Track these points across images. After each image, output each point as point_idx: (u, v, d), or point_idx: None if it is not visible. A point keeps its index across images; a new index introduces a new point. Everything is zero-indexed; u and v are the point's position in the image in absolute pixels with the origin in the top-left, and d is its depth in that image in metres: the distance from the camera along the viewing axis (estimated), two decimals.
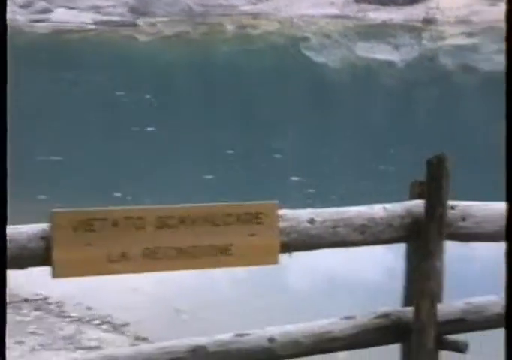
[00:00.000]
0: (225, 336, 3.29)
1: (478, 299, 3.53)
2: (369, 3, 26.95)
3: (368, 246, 3.43)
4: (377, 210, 3.34)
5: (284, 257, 3.24)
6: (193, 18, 27.56)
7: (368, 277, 6.61)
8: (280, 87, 17.39)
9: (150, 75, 18.96)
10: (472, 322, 3.46)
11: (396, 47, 23.84)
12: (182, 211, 3.02)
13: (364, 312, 3.48)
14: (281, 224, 3.16)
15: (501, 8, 25.61)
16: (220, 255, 3.07)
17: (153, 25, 27.30)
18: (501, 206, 3.49)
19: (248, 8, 28.07)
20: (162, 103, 15.09)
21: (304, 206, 8.10)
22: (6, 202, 1.95)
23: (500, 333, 3.70)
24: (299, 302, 6.02)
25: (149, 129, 12.83)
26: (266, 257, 3.16)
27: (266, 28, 26.49)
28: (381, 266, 6.53)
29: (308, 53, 22.62)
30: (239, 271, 4.94)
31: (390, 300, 3.72)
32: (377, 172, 10.40)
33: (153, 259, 2.99)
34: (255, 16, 27.70)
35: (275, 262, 3.17)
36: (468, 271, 6.45)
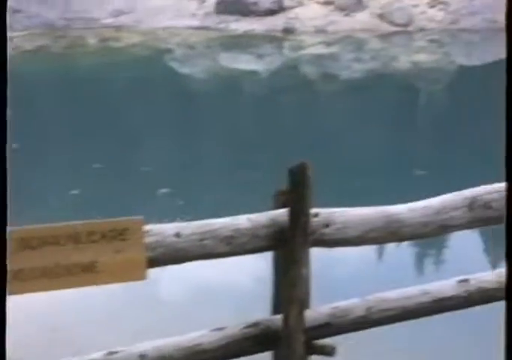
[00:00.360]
0: (96, 355, 3.26)
1: (343, 303, 3.63)
2: (230, 14, 27.18)
3: (235, 257, 3.47)
4: (242, 221, 3.38)
5: (153, 272, 3.24)
6: (53, 31, 27.05)
7: (241, 286, 6.66)
8: (145, 99, 17.30)
9: (11, 90, 18.41)
10: (338, 325, 3.56)
11: (259, 57, 24.16)
12: (44, 230, 2.97)
13: (235, 322, 3.51)
14: (148, 239, 3.15)
15: (355, 19, 26.45)
16: (86, 273, 3.04)
17: (12, 39, 26.62)
18: (362, 212, 3.61)
19: (109, 21, 27.78)
20: (26, 119, 14.73)
21: (174, 218, 8.06)
22: (6, 203, 1.88)
23: (365, 334, 3.83)
24: (173, 316, 6.01)
25: (12, 145, 12.50)
26: (134, 273, 3.15)
27: (129, 41, 26.29)
28: (254, 275, 6.60)
29: (172, 65, 22.61)
30: (113, 287, 4.88)
31: (263, 309, 3.77)
32: (246, 180, 10.51)
33: (18, 280, 2.93)
34: (118, 28, 27.45)
35: (142, 277, 3.16)
36: (335, 276, 6.61)
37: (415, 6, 27.16)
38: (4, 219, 1.94)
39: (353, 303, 3.63)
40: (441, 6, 27.22)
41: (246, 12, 27.03)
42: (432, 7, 27.29)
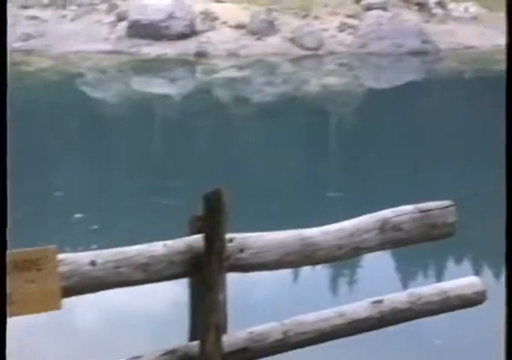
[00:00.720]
0: None
1: (260, 328, 3.65)
2: (142, 38, 27.12)
3: (151, 284, 3.46)
4: (158, 247, 3.38)
5: (68, 301, 3.20)
6: None
7: (158, 313, 6.62)
8: (56, 124, 17.08)
9: None
10: (256, 350, 3.58)
11: (172, 81, 24.17)
12: None
13: (152, 350, 3.49)
14: (62, 268, 3.12)
15: (267, 43, 26.76)
16: None
17: None
18: (277, 236, 3.65)
19: (19, 45, 27.35)
20: None
21: (89, 243, 7.94)
22: (6, 203, 1.83)
23: (283, 357, 3.86)
24: (89, 345, 5.92)
25: None
26: (49, 303, 3.11)
27: (40, 65, 25.94)
28: (171, 301, 6.57)
29: (84, 89, 22.39)
30: (27, 316, 4.81)
31: (180, 335, 3.76)
32: (161, 205, 10.47)
33: None
34: (27, 52, 27.06)
35: (57, 307, 3.13)
36: (252, 300, 6.64)
37: (325, 30, 27.66)
38: (5, 217, 1.90)
39: (270, 327, 3.66)
40: (350, 30, 27.80)
41: (158, 36, 27.03)
42: (342, 31, 27.85)
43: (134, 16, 27.57)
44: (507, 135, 2.07)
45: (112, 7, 29.26)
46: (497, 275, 8.25)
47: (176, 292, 6.07)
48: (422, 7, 29.79)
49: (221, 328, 3.46)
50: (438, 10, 29.97)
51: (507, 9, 2.16)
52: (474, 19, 29.88)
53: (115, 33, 27.89)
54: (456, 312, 4.16)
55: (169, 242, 3.42)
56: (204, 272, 3.40)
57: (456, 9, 30.21)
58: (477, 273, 7.72)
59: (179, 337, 3.78)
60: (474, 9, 30.25)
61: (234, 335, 3.58)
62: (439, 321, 4.44)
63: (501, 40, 32.14)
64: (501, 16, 29.83)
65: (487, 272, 8.25)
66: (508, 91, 2.05)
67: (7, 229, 1.97)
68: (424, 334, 5.93)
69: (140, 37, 27.12)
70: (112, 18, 28.68)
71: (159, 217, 9.77)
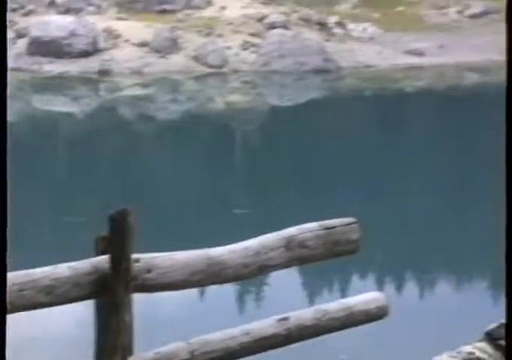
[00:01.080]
0: None
1: (167, 348, 3.63)
2: (43, 55, 26.71)
3: (57, 307, 3.40)
4: (62, 269, 3.32)
5: None
6: None
7: (63, 336, 6.51)
8: None
9: None
10: None
11: (75, 99, 23.89)
12: None
13: None
14: None
15: (170, 61, 26.77)
16: None
17: None
18: (184, 255, 3.65)
19: None
20: None
21: None
22: (6, 204, 1.74)
23: None
24: None
25: None
26: None
27: None
28: (77, 323, 6.47)
29: None
30: None
31: (86, 357, 3.71)
32: (65, 225, 10.32)
33: None
34: None
35: None
36: (158, 320, 6.60)
37: (228, 48, 27.85)
38: (5, 218, 1.84)
39: (176, 347, 3.63)
40: (253, 48, 28.06)
41: (60, 53, 26.65)
42: (245, 49, 28.08)
43: (34, 32, 27.14)
44: (507, 138, 2.11)
45: (11, 24, 28.71)
46: (398, 290, 8.45)
47: (82, 314, 5.99)
48: (322, 26, 30.35)
49: (128, 350, 3.43)
50: (337, 30, 30.59)
51: (507, 11, 2.19)
52: (372, 39, 30.61)
53: (15, 50, 27.36)
54: (360, 327, 4.24)
55: (74, 264, 3.36)
56: (110, 293, 3.37)
57: (355, 29, 30.90)
58: (379, 288, 7.88)
59: (85, 359, 3.73)
60: (371, 29, 30.99)
61: (140, 356, 3.55)
62: (344, 336, 4.52)
63: (399, 60, 32.75)
64: (397, 36, 30.65)
65: (389, 287, 8.43)
66: (508, 91, 2.10)
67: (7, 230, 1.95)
68: (330, 349, 6.02)
69: (41, 55, 26.69)
70: (11, 34, 28.14)
71: (63, 236, 9.62)
